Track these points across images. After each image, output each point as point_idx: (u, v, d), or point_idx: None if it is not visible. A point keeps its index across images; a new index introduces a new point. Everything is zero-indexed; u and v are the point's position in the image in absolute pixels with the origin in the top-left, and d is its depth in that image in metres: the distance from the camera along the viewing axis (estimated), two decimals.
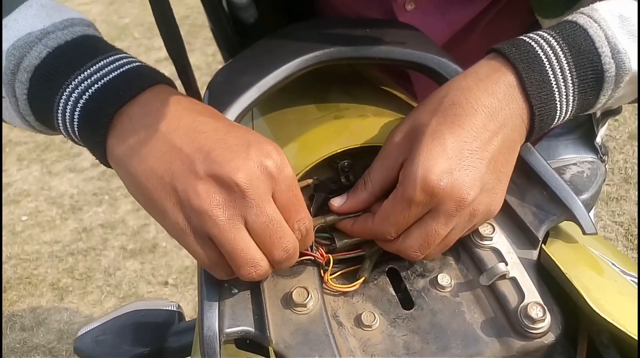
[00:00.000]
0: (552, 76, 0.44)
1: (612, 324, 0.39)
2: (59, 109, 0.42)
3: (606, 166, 0.57)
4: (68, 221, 2.49)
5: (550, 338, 0.43)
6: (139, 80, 0.42)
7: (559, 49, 0.44)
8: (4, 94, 0.44)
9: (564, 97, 0.45)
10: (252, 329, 0.43)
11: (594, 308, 0.40)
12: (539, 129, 0.46)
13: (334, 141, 0.51)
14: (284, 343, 0.42)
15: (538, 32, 0.46)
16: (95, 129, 0.41)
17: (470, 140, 0.43)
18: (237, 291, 0.45)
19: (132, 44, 3.89)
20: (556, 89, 0.44)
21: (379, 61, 0.54)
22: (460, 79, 0.45)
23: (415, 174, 0.41)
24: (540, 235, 0.46)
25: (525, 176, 0.49)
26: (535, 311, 0.42)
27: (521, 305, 0.43)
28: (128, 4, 4.35)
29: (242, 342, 0.45)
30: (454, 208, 0.42)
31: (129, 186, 0.42)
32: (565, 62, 0.44)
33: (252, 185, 0.38)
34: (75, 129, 0.42)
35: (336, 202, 0.48)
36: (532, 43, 0.45)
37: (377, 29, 0.57)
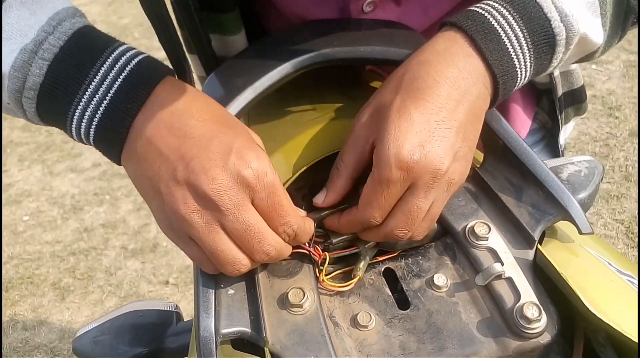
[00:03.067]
0: (508, 43, 0.45)
1: (608, 324, 0.39)
2: (72, 127, 0.44)
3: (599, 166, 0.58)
4: (69, 221, 2.50)
5: (546, 338, 0.43)
6: (141, 86, 0.43)
7: (511, 17, 0.46)
8: (8, 102, 0.44)
9: (522, 63, 0.46)
10: (248, 330, 0.43)
11: (590, 308, 0.40)
12: (502, 95, 0.47)
13: (331, 142, 0.51)
14: (280, 343, 0.42)
15: (487, 2, 0.47)
16: (113, 146, 0.44)
17: (436, 111, 0.43)
18: (233, 292, 0.45)
19: (131, 44, 3.88)
20: (514, 56, 0.46)
21: (374, 62, 0.55)
22: (418, 55, 0.46)
23: (388, 154, 0.42)
24: (537, 235, 0.46)
25: (522, 176, 0.49)
26: (531, 312, 0.42)
27: (517, 305, 0.43)
28: (127, 4, 4.35)
29: (239, 342, 0.45)
30: (431, 179, 0.43)
31: (135, 185, 0.45)
32: (518, 29, 0.46)
33: (226, 195, 0.40)
34: (93, 145, 0.45)
35: (318, 199, 0.48)
36: (485, 14, 0.46)
37: (371, 29, 0.57)
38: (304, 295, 0.44)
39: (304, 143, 0.52)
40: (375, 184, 0.43)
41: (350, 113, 0.54)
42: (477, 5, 0.47)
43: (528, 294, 0.43)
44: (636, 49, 2.83)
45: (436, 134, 0.43)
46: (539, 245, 0.46)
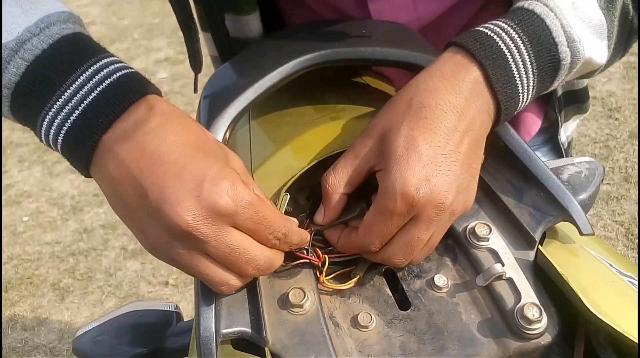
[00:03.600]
0: (515, 70, 0.45)
1: (609, 325, 0.39)
2: (42, 131, 0.42)
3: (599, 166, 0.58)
4: (69, 222, 2.50)
5: (547, 338, 0.43)
6: (117, 101, 0.41)
7: (520, 42, 0.45)
8: None
9: (525, 88, 0.46)
10: (248, 330, 0.43)
11: (591, 309, 0.40)
12: (503, 120, 0.47)
13: (330, 143, 0.51)
14: (281, 343, 0.42)
15: (496, 22, 0.47)
16: (78, 158, 0.42)
17: (443, 144, 0.43)
18: (233, 292, 0.45)
19: (131, 45, 3.89)
20: (519, 82, 0.46)
21: (375, 63, 0.55)
22: (426, 79, 0.46)
23: (394, 187, 0.42)
24: (537, 236, 0.46)
25: (523, 177, 0.49)
26: (532, 312, 0.42)
27: (518, 305, 0.43)
28: (127, 5, 4.35)
29: (239, 342, 0.45)
30: (434, 213, 0.43)
31: (109, 202, 0.43)
32: (526, 54, 0.45)
33: (203, 225, 0.39)
34: (59, 150, 0.43)
35: (318, 219, 0.48)
36: (495, 37, 0.45)
37: (373, 29, 0.57)
38: (305, 295, 0.44)
39: (305, 144, 0.52)
40: (378, 213, 0.43)
41: (350, 114, 0.54)
42: (486, 26, 0.47)
43: (529, 295, 0.43)
44: (636, 51, 2.83)
45: (442, 168, 0.43)
46: (539, 246, 0.46)
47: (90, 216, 2.51)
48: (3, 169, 2.97)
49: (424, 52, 0.53)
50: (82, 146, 0.41)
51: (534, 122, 0.75)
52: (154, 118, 0.41)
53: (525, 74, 0.46)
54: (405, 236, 0.44)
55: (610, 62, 0.54)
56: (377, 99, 0.59)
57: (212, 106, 0.49)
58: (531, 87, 0.47)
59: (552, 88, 0.50)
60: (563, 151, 0.76)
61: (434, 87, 0.44)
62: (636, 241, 1.90)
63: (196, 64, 0.71)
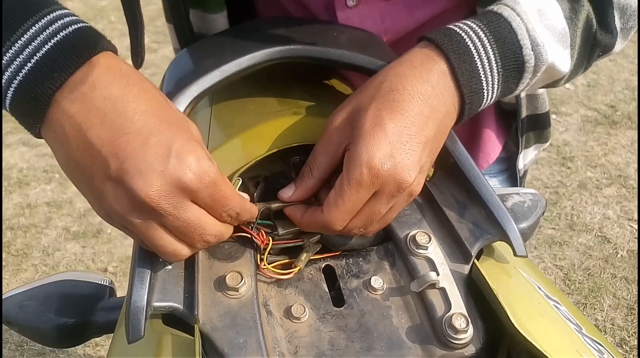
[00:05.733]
0: (480, 66, 0.48)
1: (530, 343, 0.41)
2: None
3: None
4: (12, 195, 2.41)
5: (471, 350, 0.44)
6: (72, 56, 0.39)
7: (486, 41, 0.48)
8: None
9: (490, 85, 0.49)
10: (180, 306, 0.43)
11: (516, 325, 0.42)
12: (467, 115, 0.49)
13: (290, 136, 0.52)
14: (211, 324, 0.42)
15: (466, 22, 0.49)
16: (28, 116, 0.40)
17: (408, 125, 0.45)
18: (170, 268, 0.44)
19: (107, 26, 3.83)
20: (483, 78, 0.48)
21: (342, 66, 0.56)
22: (396, 66, 0.48)
23: (360, 159, 0.43)
24: (474, 251, 0.48)
25: (467, 194, 0.51)
26: (459, 322, 0.43)
27: (446, 314, 0.44)
28: None
29: (169, 319, 0.44)
30: (396, 189, 0.44)
31: (60, 165, 0.42)
32: (491, 52, 0.48)
33: (164, 200, 0.39)
34: (8, 109, 0.41)
35: (284, 193, 0.48)
36: (462, 34, 0.48)
37: (342, 33, 0.59)
38: (242, 279, 0.44)
39: (264, 133, 0.52)
40: (345, 187, 0.44)
41: (313, 111, 0.55)
42: (456, 24, 0.49)
43: (458, 305, 0.45)
44: (594, 106, 2.96)
45: (407, 147, 0.44)
46: (475, 260, 0.48)
47: (36, 191, 2.43)
48: None
49: (390, 61, 0.55)
50: (34, 102, 0.39)
51: (492, 150, 0.78)
52: (115, 81, 0.40)
53: (490, 71, 0.48)
54: (366, 209, 0.45)
55: (574, 73, 0.57)
56: (341, 101, 0.60)
57: (173, 84, 0.49)
58: (496, 86, 0.49)
59: (516, 92, 0.52)
60: (518, 179, 0.79)
61: (403, 74, 0.46)
62: (573, 287, 1.96)
63: (138, 59, 0.67)
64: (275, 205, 0.49)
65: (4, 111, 0.42)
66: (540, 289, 0.48)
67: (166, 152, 0.39)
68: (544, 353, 0.40)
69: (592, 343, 0.45)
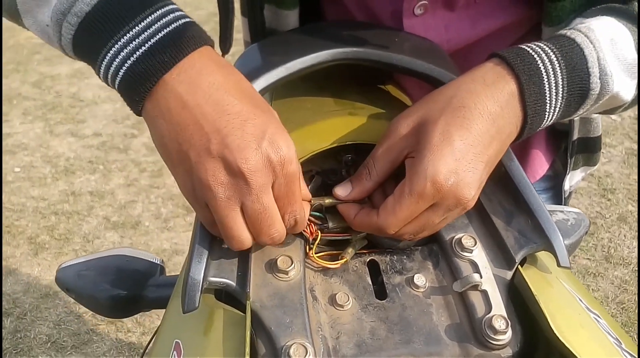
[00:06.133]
0: (547, 88, 0.48)
1: (570, 351, 0.41)
2: (102, 63, 0.44)
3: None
4: (59, 182, 2.50)
5: (507, 352, 0.45)
6: (182, 45, 0.44)
7: (557, 64, 0.49)
8: (47, 23, 0.46)
9: (553, 108, 0.50)
10: (233, 283, 0.45)
11: (555, 332, 0.42)
12: (526, 134, 0.50)
13: (344, 134, 0.54)
14: (261, 303, 0.44)
15: (539, 44, 0.50)
16: (136, 93, 0.44)
17: (475, 144, 0.46)
18: (227, 247, 0.47)
19: None
20: (548, 101, 0.49)
21: (401, 70, 0.58)
22: (468, 82, 0.49)
23: (425, 172, 0.45)
24: (518, 258, 0.49)
25: (515, 202, 0.52)
26: (499, 323, 0.44)
27: (487, 315, 0.45)
28: None
29: (221, 295, 0.47)
30: (454, 204, 0.46)
31: (155, 141, 0.45)
32: (560, 76, 0.49)
33: (255, 175, 0.42)
34: (116, 86, 0.45)
35: (340, 191, 0.50)
36: (535, 55, 0.49)
37: (405, 39, 0.61)
38: (292, 263, 0.46)
39: (320, 130, 0.54)
40: (405, 195, 0.45)
41: (368, 113, 0.57)
42: (529, 45, 0.50)
43: (499, 308, 0.46)
44: (637, 138, 2.90)
45: (471, 165, 0.46)
46: (519, 267, 0.49)
47: (80, 180, 2.52)
48: (6, 119, 2.98)
49: (449, 71, 0.57)
50: (144, 82, 0.43)
51: (540, 167, 0.78)
52: (218, 70, 0.44)
53: (556, 94, 0.49)
54: (421, 218, 0.47)
55: (634, 102, 0.57)
56: (395, 106, 0.62)
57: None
58: (557, 109, 0.50)
59: (575, 115, 0.53)
60: (563, 200, 0.79)
61: (475, 91, 0.47)
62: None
63: (226, 44, 0.73)
64: (328, 201, 0.51)
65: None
66: (581, 301, 0.49)
67: (261, 134, 0.42)
68: None
69: None
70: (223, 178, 0.42)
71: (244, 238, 0.44)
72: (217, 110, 0.42)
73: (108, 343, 1.77)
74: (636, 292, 2.02)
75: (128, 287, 0.59)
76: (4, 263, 2.05)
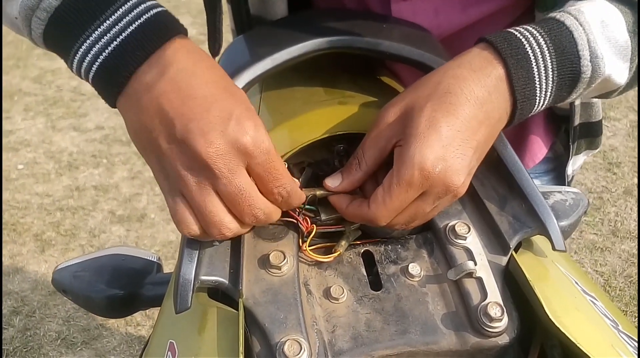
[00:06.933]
0: (536, 72, 0.47)
1: (565, 336, 0.41)
2: (75, 59, 0.44)
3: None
4: (62, 178, 2.51)
5: (504, 339, 0.44)
6: (153, 37, 0.43)
7: (546, 48, 0.48)
8: (16, 16, 0.45)
9: (543, 93, 0.48)
10: (226, 281, 0.45)
11: (551, 317, 0.42)
12: (517, 120, 0.49)
13: (335, 124, 0.53)
14: (254, 299, 0.44)
15: (527, 27, 0.49)
16: (109, 87, 0.44)
17: (462, 129, 0.45)
18: (218, 244, 0.47)
19: None
20: (538, 86, 0.48)
21: (390, 57, 0.57)
22: (454, 67, 0.48)
23: (412, 160, 0.44)
24: (513, 244, 0.48)
25: (508, 187, 0.51)
26: (495, 311, 0.44)
27: (482, 303, 0.45)
28: None
29: (214, 294, 0.47)
30: (444, 191, 0.45)
31: (129, 133, 0.45)
32: (549, 60, 0.48)
33: (221, 160, 0.41)
34: (90, 81, 0.45)
35: (330, 182, 0.50)
36: (522, 39, 0.48)
37: (393, 26, 0.60)
38: (285, 258, 0.46)
39: (310, 121, 0.54)
40: (394, 185, 0.45)
41: (359, 102, 0.56)
42: (516, 28, 0.49)
43: (494, 295, 0.45)
44: None
45: (459, 151, 0.45)
46: (513, 253, 0.48)
47: (84, 175, 2.52)
48: (7, 116, 2.98)
49: (439, 56, 0.56)
50: (117, 76, 0.43)
51: (539, 150, 0.77)
52: (187, 57, 0.44)
53: (545, 79, 0.48)
54: (411, 208, 0.46)
55: (630, 86, 0.56)
56: (386, 93, 0.61)
57: (228, 68, 0.51)
58: (549, 94, 0.49)
59: (568, 100, 0.52)
60: (566, 183, 0.78)
61: (461, 76, 0.47)
62: (613, 293, 1.92)
63: (215, 45, 0.72)
64: (320, 192, 0.50)
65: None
66: (577, 284, 0.48)
67: (227, 116, 0.42)
68: (578, 346, 0.41)
69: (628, 340, 0.45)
70: (189, 163, 0.42)
71: (227, 221, 0.44)
72: (182, 95, 0.42)
73: (118, 338, 1.79)
74: None
75: (124, 286, 0.59)
76: (10, 261, 2.07)
